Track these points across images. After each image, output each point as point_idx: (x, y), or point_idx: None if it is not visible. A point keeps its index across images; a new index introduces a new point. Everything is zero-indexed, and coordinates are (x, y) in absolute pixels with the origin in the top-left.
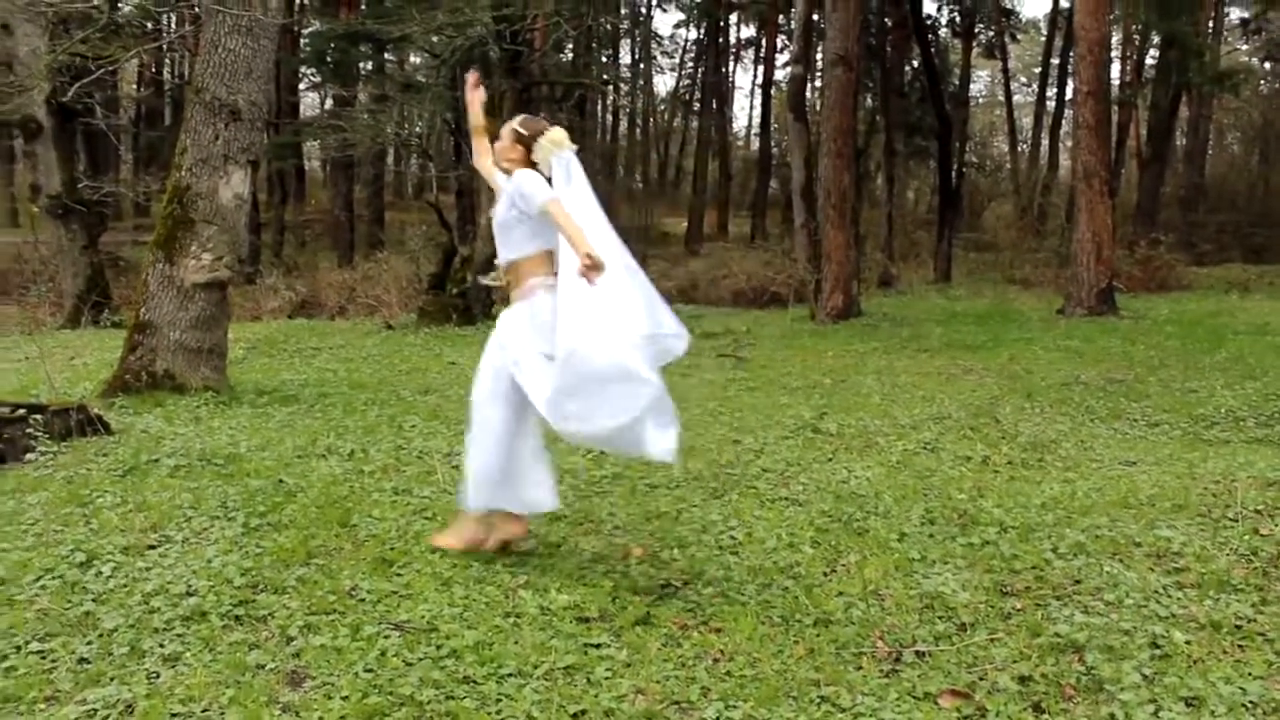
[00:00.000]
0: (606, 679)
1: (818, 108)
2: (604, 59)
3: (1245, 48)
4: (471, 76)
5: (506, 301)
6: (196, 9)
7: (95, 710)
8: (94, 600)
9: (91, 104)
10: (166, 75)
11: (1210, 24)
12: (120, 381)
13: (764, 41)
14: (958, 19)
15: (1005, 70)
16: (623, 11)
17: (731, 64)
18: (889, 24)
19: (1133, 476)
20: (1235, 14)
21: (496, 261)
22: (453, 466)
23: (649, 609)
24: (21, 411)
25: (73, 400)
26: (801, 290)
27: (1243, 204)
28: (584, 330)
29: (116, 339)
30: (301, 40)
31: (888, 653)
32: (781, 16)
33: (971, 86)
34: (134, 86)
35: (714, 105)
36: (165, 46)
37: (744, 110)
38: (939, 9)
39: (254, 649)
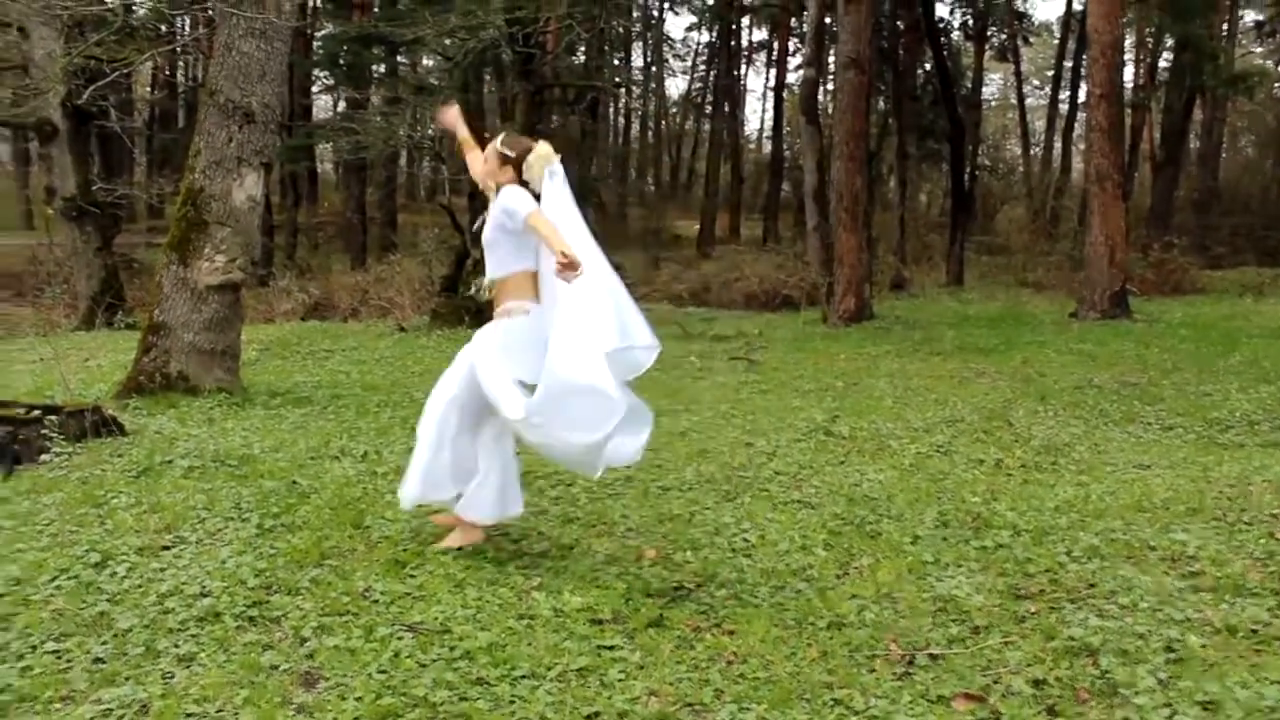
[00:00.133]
0: (620, 681)
1: (830, 111)
2: (616, 62)
3: (1260, 50)
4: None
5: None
6: (210, 12)
7: (110, 710)
8: (109, 600)
9: (106, 107)
10: (180, 78)
11: (1225, 26)
12: (134, 383)
13: (776, 45)
14: (970, 22)
15: (1018, 73)
16: (635, 14)
17: (743, 67)
18: (901, 27)
19: (1147, 480)
20: (1250, 16)
21: (486, 278)
22: None
23: (662, 611)
24: (37, 413)
25: (87, 402)
26: (813, 293)
27: (1257, 207)
28: (562, 350)
29: (130, 340)
30: (314, 43)
31: (901, 656)
32: (793, 19)
33: (984, 89)
34: (148, 89)
35: (726, 108)
36: (179, 49)
37: (756, 113)
38: (951, 12)
39: (268, 650)
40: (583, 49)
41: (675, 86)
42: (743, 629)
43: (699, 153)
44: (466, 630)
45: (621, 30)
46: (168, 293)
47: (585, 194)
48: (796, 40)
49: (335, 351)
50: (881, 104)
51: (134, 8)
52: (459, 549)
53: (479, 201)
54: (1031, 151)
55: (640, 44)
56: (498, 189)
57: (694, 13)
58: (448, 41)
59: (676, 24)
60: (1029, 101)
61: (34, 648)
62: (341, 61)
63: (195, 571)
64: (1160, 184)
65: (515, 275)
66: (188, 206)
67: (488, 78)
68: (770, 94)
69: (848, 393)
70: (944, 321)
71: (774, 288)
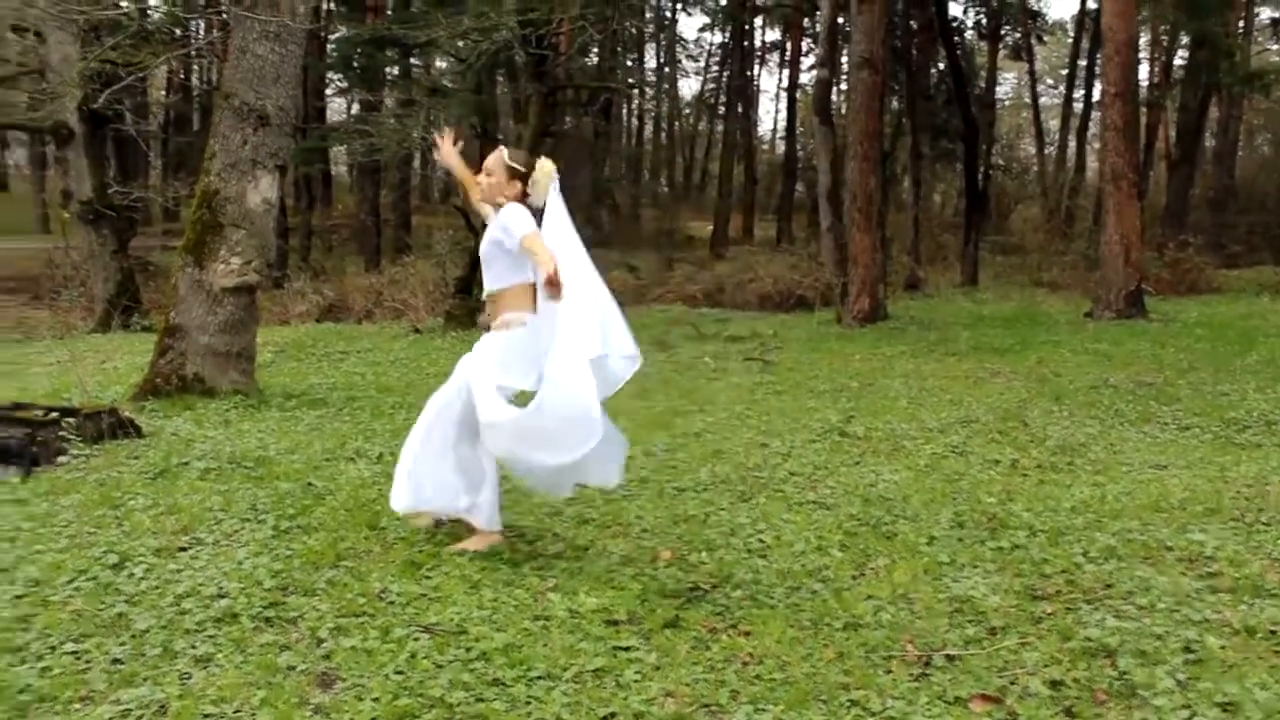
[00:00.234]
0: (636, 682)
1: (843, 111)
2: (629, 63)
3: (1276, 47)
4: (439, 140)
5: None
6: (225, 16)
7: (129, 710)
8: (127, 602)
9: (122, 110)
10: (195, 81)
11: (1240, 24)
12: (150, 385)
13: (789, 45)
14: (984, 21)
15: (1032, 72)
16: (648, 16)
17: (756, 68)
18: (914, 26)
19: (1163, 480)
20: (1266, 14)
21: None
22: None
23: (678, 612)
24: (54, 415)
25: (104, 404)
26: (828, 294)
27: (1273, 205)
28: (561, 369)
29: (146, 343)
30: (328, 45)
31: (917, 656)
32: (806, 20)
33: (998, 89)
34: (163, 93)
35: (739, 109)
36: (194, 53)
37: (769, 114)
38: (965, 11)
39: (285, 650)
40: (596, 50)
41: (688, 87)
42: (759, 630)
43: (712, 153)
44: (482, 631)
45: (634, 31)
46: (183, 295)
47: (599, 195)
48: (809, 40)
49: (350, 353)
50: (895, 104)
51: (149, 12)
52: (474, 552)
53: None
54: (1046, 151)
55: (653, 45)
56: (497, 206)
57: (707, 13)
58: (461, 43)
59: (689, 25)
60: (1043, 100)
61: (53, 648)
62: (355, 64)
63: (212, 573)
64: (1176, 182)
65: (514, 288)
66: (203, 209)
67: (501, 79)
68: (783, 94)
69: (862, 393)
70: (959, 321)
71: (788, 288)
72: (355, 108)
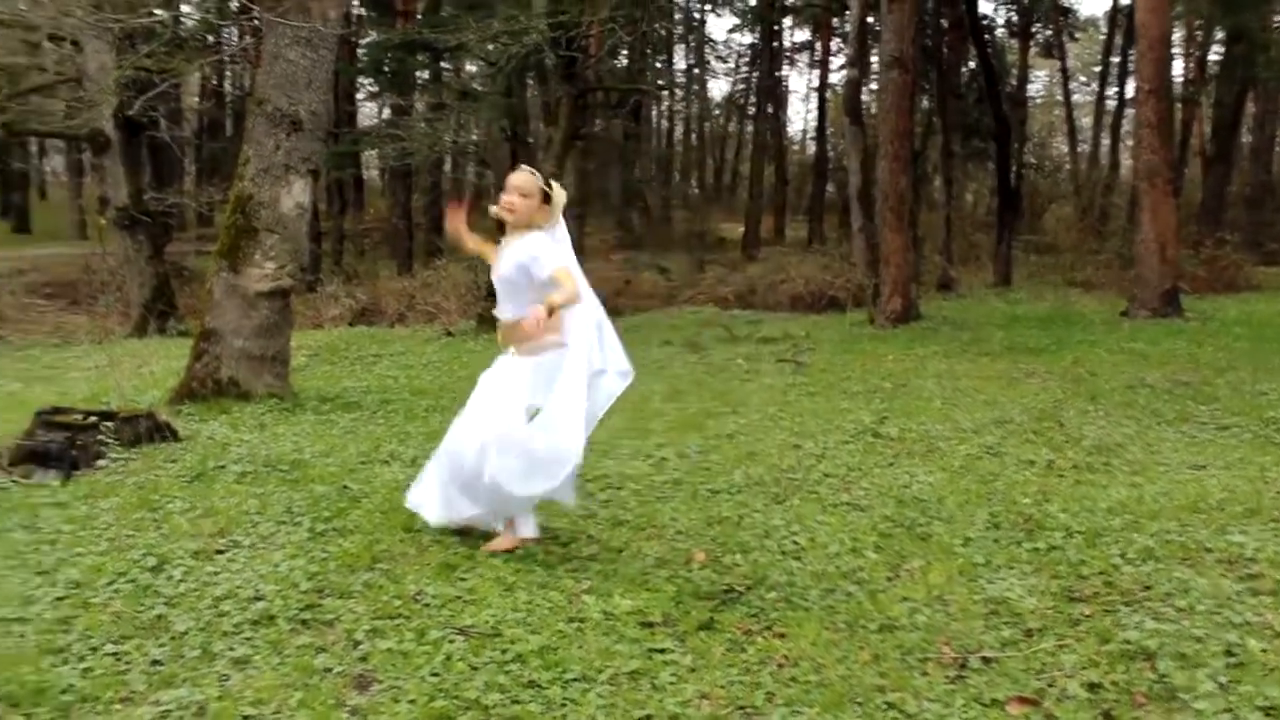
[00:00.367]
0: (671, 684)
1: (873, 111)
2: (659, 65)
3: None
4: (451, 209)
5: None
6: (257, 22)
7: (168, 711)
8: (165, 604)
9: (156, 117)
10: (228, 87)
11: (1278, 18)
12: (187, 389)
13: (818, 45)
14: (1015, 18)
15: (1064, 69)
16: (677, 17)
17: (786, 68)
18: (945, 25)
19: (1202, 480)
20: None
21: (497, 314)
22: None
23: (712, 614)
24: (93, 419)
25: (141, 408)
26: (860, 294)
27: None
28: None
29: (182, 347)
30: (359, 50)
31: (953, 659)
32: (836, 20)
33: (1029, 86)
34: (196, 99)
35: (769, 109)
36: (226, 59)
37: (799, 114)
38: (996, 9)
39: (321, 652)
40: (625, 52)
41: (718, 88)
42: (794, 632)
43: (743, 154)
44: (517, 633)
45: (664, 33)
46: (218, 299)
47: (630, 197)
48: (839, 40)
49: (383, 356)
50: (926, 103)
51: (183, 19)
52: (509, 551)
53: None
54: (1079, 149)
55: (683, 46)
56: (520, 230)
57: (736, 14)
58: (491, 47)
59: (718, 26)
60: (1075, 98)
61: (94, 649)
62: (386, 68)
63: (249, 575)
64: (1211, 179)
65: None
66: (237, 214)
67: (531, 82)
68: (813, 94)
69: (896, 394)
70: (992, 322)
71: (820, 289)
72: (386, 112)
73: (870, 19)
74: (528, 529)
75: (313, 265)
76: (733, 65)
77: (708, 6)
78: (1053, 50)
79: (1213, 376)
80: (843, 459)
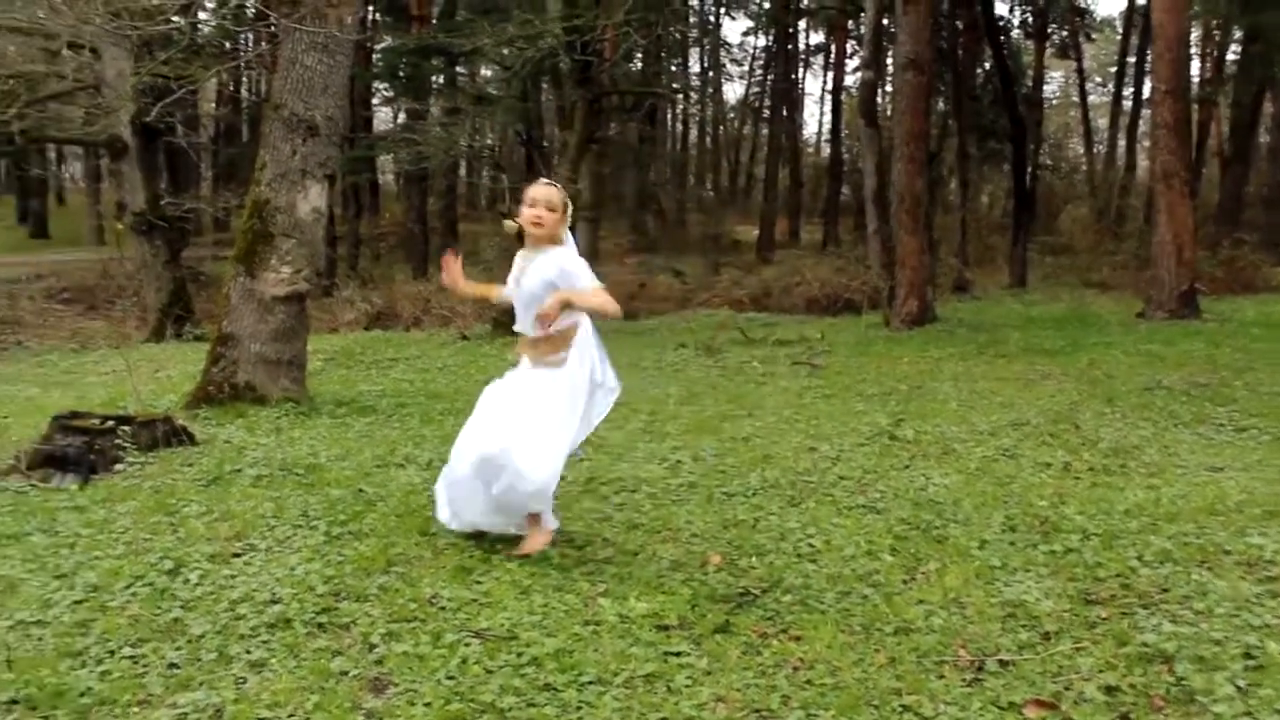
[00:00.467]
0: (687, 687)
1: (889, 113)
2: (673, 68)
3: None
4: (445, 262)
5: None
6: (274, 28)
7: (186, 714)
8: (182, 607)
9: (173, 123)
10: (244, 93)
11: None
12: (203, 393)
13: (833, 47)
14: (1030, 19)
15: (1080, 70)
16: (692, 20)
17: (801, 70)
18: (960, 26)
19: (1220, 482)
20: None
21: (518, 329)
22: None
23: (728, 617)
24: (111, 423)
25: (159, 412)
26: (875, 296)
27: None
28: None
29: (199, 352)
30: (374, 55)
31: (970, 661)
32: (851, 22)
33: (1045, 88)
34: (213, 105)
35: (784, 112)
36: (243, 65)
37: (814, 116)
38: (1011, 10)
39: (337, 656)
40: (640, 56)
41: (733, 91)
42: (809, 635)
43: (757, 157)
44: (533, 636)
45: (679, 36)
46: (235, 304)
47: (645, 200)
48: (854, 42)
49: (399, 360)
50: (941, 104)
51: (199, 26)
52: (546, 547)
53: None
54: (1095, 150)
55: (697, 49)
56: (537, 244)
57: (751, 17)
58: (506, 51)
59: (733, 29)
60: (1091, 99)
61: (112, 652)
62: (401, 73)
63: (265, 579)
64: (1229, 180)
65: (568, 329)
66: (254, 219)
67: (546, 86)
68: (828, 97)
69: (911, 396)
70: (1008, 323)
71: (835, 292)
72: (402, 116)
73: (885, 21)
74: (550, 520)
75: (328, 270)
76: (747, 68)
77: (722, 9)
78: (1068, 51)
79: (1230, 378)
80: (858, 461)
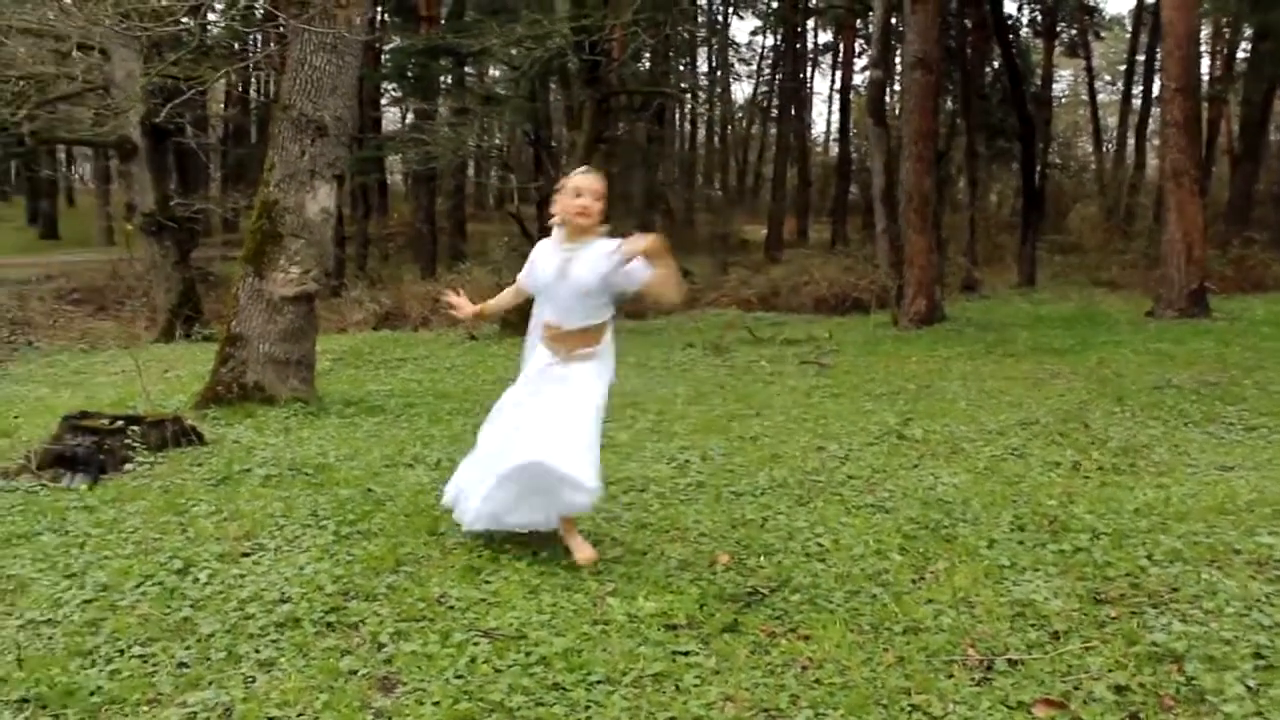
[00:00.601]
0: (695, 686)
1: (897, 112)
2: (681, 67)
3: None
4: (451, 300)
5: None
6: (282, 28)
7: (195, 713)
8: (192, 606)
9: (183, 124)
10: (253, 94)
11: None
12: (212, 393)
13: (841, 46)
14: (1039, 18)
15: (1089, 69)
16: (700, 20)
17: (809, 69)
18: (969, 25)
19: (1230, 482)
20: None
21: (552, 322)
22: None
23: (736, 616)
24: (120, 423)
25: (168, 412)
26: (883, 296)
27: None
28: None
29: (208, 352)
30: (383, 56)
31: (979, 661)
32: (859, 21)
33: (1054, 86)
34: (222, 105)
35: (792, 111)
36: (252, 66)
37: (822, 116)
38: (1020, 8)
39: (346, 655)
40: (648, 56)
41: (741, 91)
42: (818, 634)
43: (765, 157)
44: (542, 636)
45: (687, 36)
46: (244, 304)
47: (653, 200)
48: (862, 41)
49: (407, 360)
50: (950, 103)
51: (209, 27)
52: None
53: (548, 210)
54: (1104, 148)
55: (705, 49)
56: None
57: (759, 16)
58: (514, 51)
59: (741, 28)
60: (1101, 97)
61: (121, 652)
62: (409, 74)
63: (274, 578)
64: (1239, 178)
65: (605, 321)
66: (262, 219)
67: (554, 86)
68: (836, 96)
69: (920, 396)
70: (1017, 322)
71: (843, 291)
72: (410, 117)
73: (894, 20)
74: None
75: (337, 270)
76: (755, 67)
77: (730, 9)
78: (1077, 49)
79: (1240, 376)
80: (867, 461)
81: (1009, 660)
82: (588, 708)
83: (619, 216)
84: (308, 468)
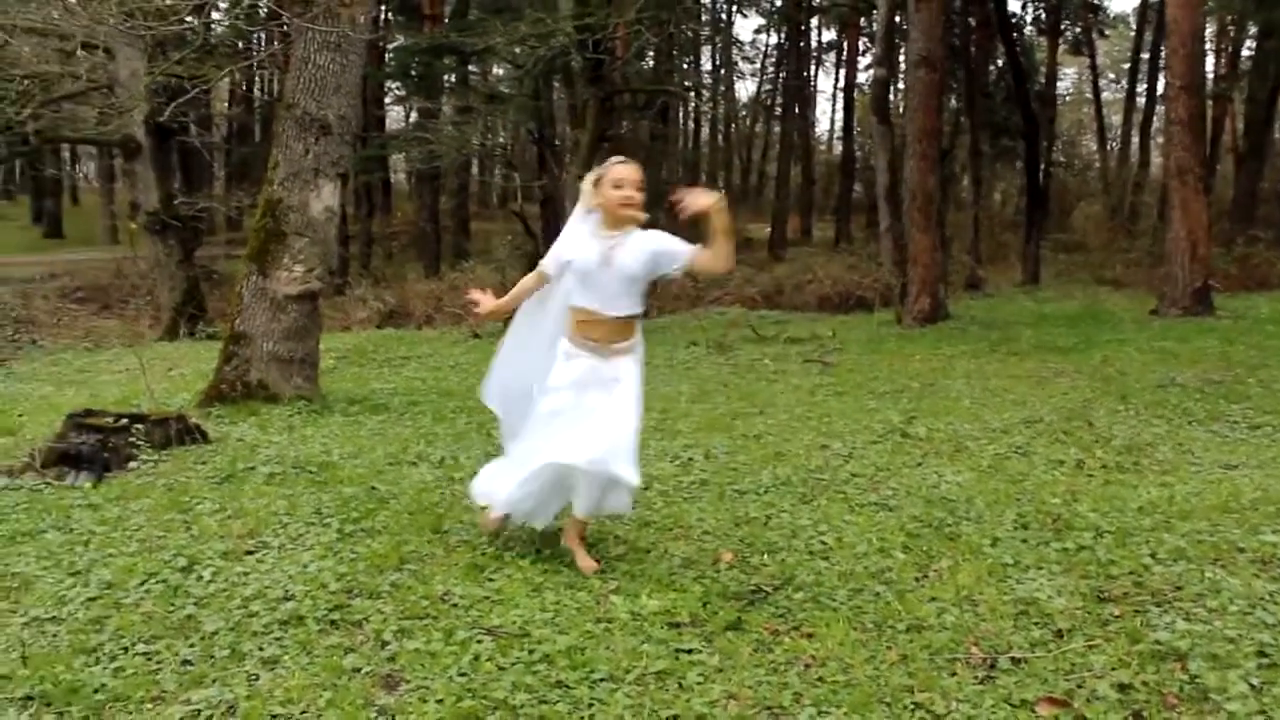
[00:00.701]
0: (698, 684)
1: (901, 110)
2: (685, 66)
3: None
4: (474, 297)
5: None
6: (286, 27)
7: (199, 710)
8: (195, 604)
9: (186, 122)
10: (257, 93)
11: None
12: (216, 391)
13: (845, 45)
14: (1043, 16)
15: (1093, 67)
16: (704, 18)
17: (813, 68)
18: (973, 23)
19: (1234, 480)
20: None
21: (593, 309)
22: None
23: (740, 614)
24: (124, 421)
25: (172, 410)
26: (887, 294)
27: None
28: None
29: (212, 350)
30: (386, 54)
31: (982, 659)
32: (863, 19)
33: (1058, 84)
34: (226, 104)
35: (796, 110)
36: (256, 65)
37: (826, 114)
38: (1024, 6)
39: (350, 653)
40: (652, 54)
41: (745, 89)
42: (821, 632)
43: (769, 155)
44: (545, 634)
45: (690, 34)
46: (247, 303)
47: (657, 198)
48: (866, 40)
49: (411, 359)
50: (954, 101)
51: (213, 26)
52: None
53: (551, 208)
54: (1108, 146)
55: (709, 48)
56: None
57: (763, 15)
58: (518, 50)
59: (745, 26)
60: (1105, 95)
61: (126, 649)
62: (413, 72)
63: (278, 576)
64: (1243, 177)
65: (640, 314)
66: (266, 218)
67: (558, 85)
68: (840, 94)
69: (924, 394)
70: (1021, 321)
71: (847, 289)
72: (414, 115)
73: (898, 18)
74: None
75: (341, 268)
76: (759, 66)
77: (734, 7)
78: (1082, 47)
79: (1245, 375)
80: (870, 459)
81: (1012, 658)
82: (591, 705)
83: None
84: (311, 466)
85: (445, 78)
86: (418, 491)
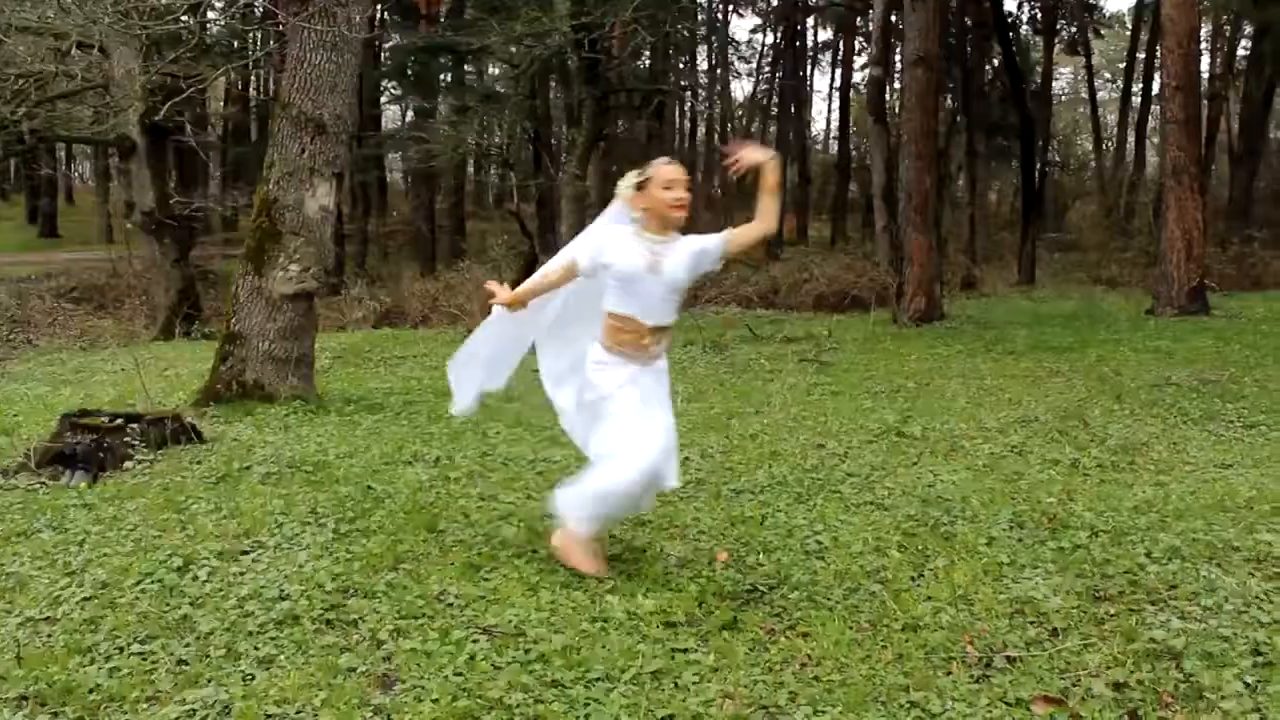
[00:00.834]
0: (694, 683)
1: (897, 110)
2: (681, 65)
3: None
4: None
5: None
6: (282, 27)
7: (194, 710)
8: (191, 604)
9: (182, 122)
10: (253, 92)
11: None
12: (212, 391)
13: (842, 44)
14: (1039, 16)
15: (1089, 66)
16: (700, 18)
17: (809, 67)
18: (969, 23)
19: (1229, 479)
20: None
21: (636, 317)
22: (536, 473)
23: (735, 614)
24: (120, 421)
25: (167, 410)
26: (883, 294)
27: None
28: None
29: (207, 350)
30: (383, 54)
31: (978, 658)
32: (859, 19)
33: (1054, 84)
34: (221, 104)
35: (792, 109)
36: (252, 64)
37: (822, 114)
38: (1019, 6)
39: (345, 652)
40: (648, 54)
41: (741, 89)
42: (817, 631)
43: None
44: (541, 633)
45: (686, 34)
46: (243, 302)
47: None
48: (862, 39)
49: (407, 358)
50: (950, 101)
51: (208, 25)
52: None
53: (547, 208)
54: (1104, 146)
55: (705, 47)
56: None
57: (759, 14)
58: (514, 49)
59: (741, 26)
60: (1100, 95)
61: (121, 649)
62: (409, 72)
63: (274, 575)
64: (1239, 176)
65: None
66: (262, 217)
67: (554, 84)
68: (836, 94)
69: (919, 393)
70: (1016, 320)
71: (843, 289)
72: (410, 115)
73: (894, 18)
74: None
75: (337, 268)
76: (755, 65)
77: (730, 7)
78: (1077, 47)
79: (1240, 374)
80: (866, 458)
81: (1007, 657)
82: (586, 705)
83: None
84: (307, 465)
85: (441, 77)
86: (413, 491)
